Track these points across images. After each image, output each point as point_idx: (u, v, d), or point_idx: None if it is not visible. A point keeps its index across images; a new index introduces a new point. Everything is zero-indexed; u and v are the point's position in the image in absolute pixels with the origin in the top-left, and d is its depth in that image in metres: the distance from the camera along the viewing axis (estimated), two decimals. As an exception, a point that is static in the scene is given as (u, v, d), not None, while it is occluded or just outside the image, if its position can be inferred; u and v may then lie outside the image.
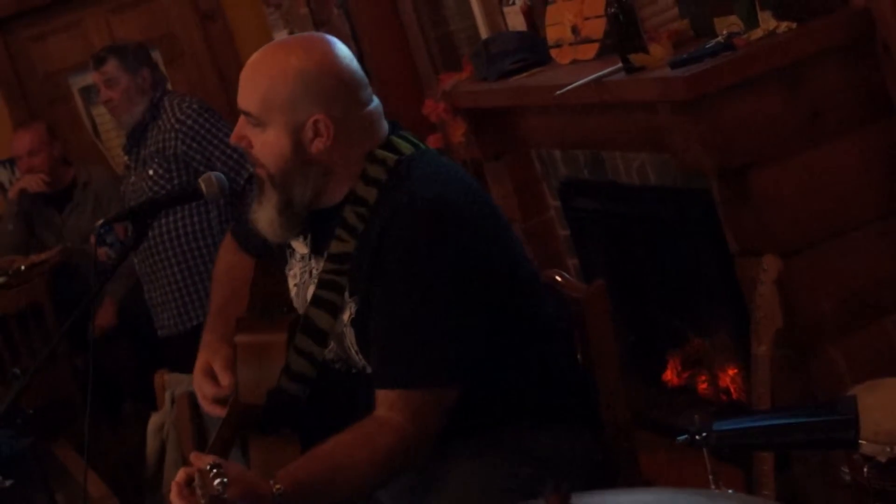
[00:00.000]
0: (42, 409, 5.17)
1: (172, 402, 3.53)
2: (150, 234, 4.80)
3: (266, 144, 2.42)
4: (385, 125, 2.49)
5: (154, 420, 3.85)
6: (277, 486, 2.16)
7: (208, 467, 2.02)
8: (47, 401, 5.44)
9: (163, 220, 4.81)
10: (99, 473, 4.75)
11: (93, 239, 4.90)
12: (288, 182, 2.43)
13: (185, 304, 4.92)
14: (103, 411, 5.68)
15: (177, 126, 4.77)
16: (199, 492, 2.02)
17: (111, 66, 4.90)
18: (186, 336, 4.90)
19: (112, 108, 4.97)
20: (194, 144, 4.75)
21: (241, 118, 2.46)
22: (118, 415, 5.89)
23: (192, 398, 2.85)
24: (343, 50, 2.45)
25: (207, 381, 2.63)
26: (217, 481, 2.00)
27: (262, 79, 2.41)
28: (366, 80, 2.46)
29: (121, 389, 5.87)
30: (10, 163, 6.66)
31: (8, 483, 3.48)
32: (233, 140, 2.49)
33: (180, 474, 2.14)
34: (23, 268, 5.72)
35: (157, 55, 7.08)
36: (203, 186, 2.62)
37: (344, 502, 2.33)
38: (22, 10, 6.93)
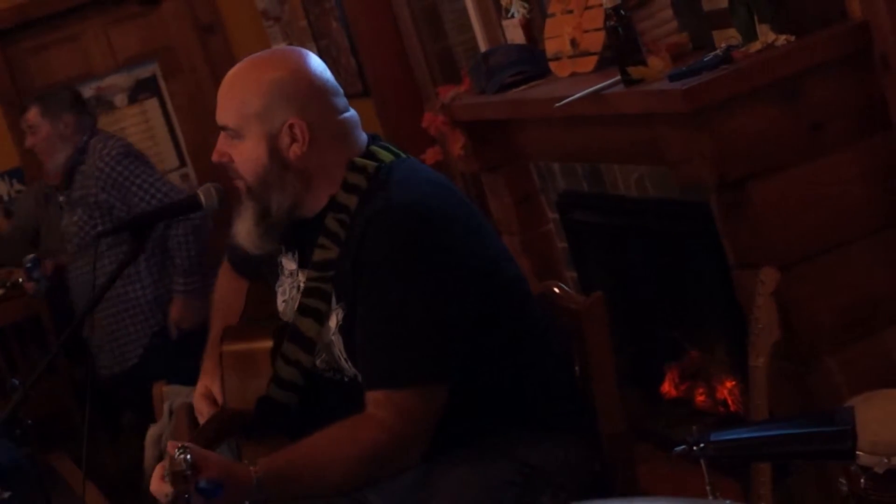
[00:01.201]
0: (40, 420, 5.17)
1: (171, 413, 3.54)
2: (81, 280, 4.83)
3: (244, 155, 2.46)
4: (363, 136, 2.53)
5: (152, 431, 3.86)
6: (257, 472, 2.18)
7: (177, 449, 2.04)
8: (46, 412, 5.44)
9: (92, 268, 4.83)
10: (97, 485, 4.76)
11: (24, 274, 4.97)
12: (265, 191, 2.46)
13: (121, 347, 4.96)
14: (102, 423, 5.68)
15: (97, 174, 4.82)
16: (165, 472, 2.05)
17: (32, 113, 4.95)
18: (126, 375, 4.93)
19: (37, 153, 5.00)
20: (114, 192, 4.80)
21: (221, 135, 2.49)
22: (117, 426, 5.88)
23: (190, 410, 2.87)
24: (315, 60, 2.50)
25: (206, 403, 2.71)
26: (182, 459, 2.02)
27: (236, 91, 2.46)
28: (340, 89, 2.51)
29: (119, 401, 5.86)
30: (10, 175, 6.66)
31: (6, 495, 3.47)
32: (214, 158, 2.53)
33: (163, 463, 2.16)
34: (21, 280, 5.73)
35: (155, 68, 7.11)
36: (202, 197, 2.68)
37: (330, 497, 2.34)
38: (21, 23, 6.94)
